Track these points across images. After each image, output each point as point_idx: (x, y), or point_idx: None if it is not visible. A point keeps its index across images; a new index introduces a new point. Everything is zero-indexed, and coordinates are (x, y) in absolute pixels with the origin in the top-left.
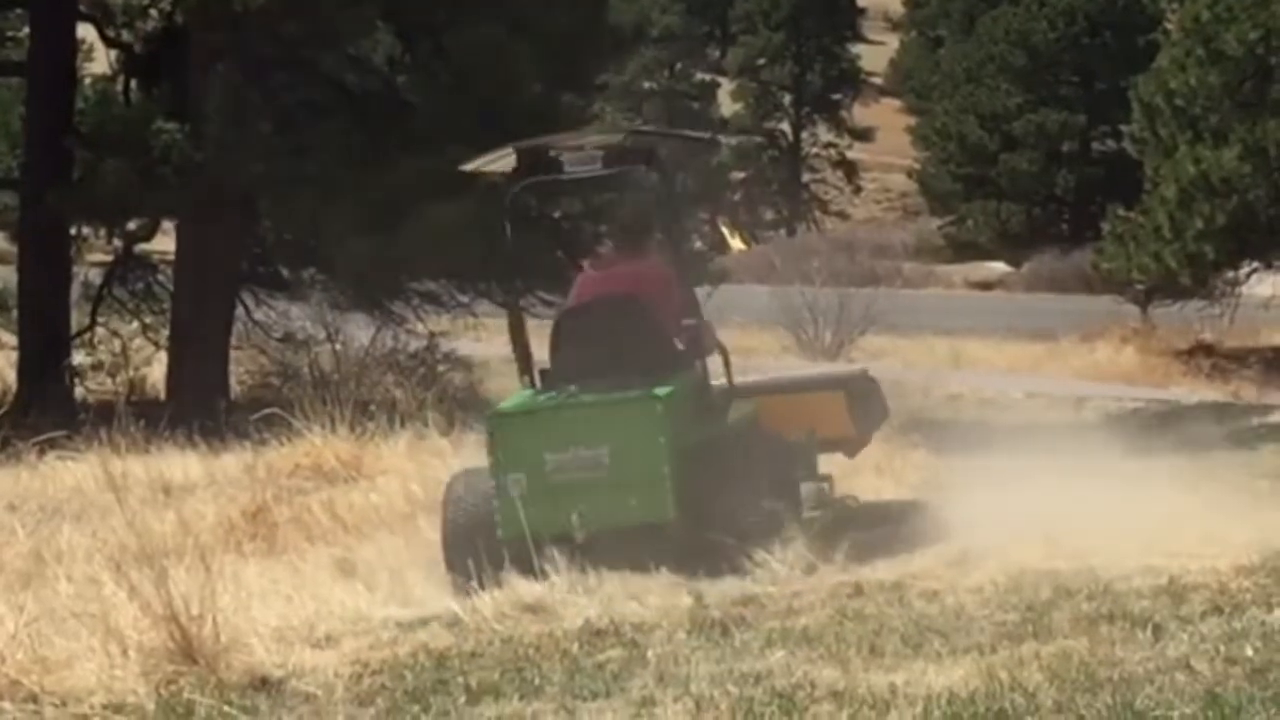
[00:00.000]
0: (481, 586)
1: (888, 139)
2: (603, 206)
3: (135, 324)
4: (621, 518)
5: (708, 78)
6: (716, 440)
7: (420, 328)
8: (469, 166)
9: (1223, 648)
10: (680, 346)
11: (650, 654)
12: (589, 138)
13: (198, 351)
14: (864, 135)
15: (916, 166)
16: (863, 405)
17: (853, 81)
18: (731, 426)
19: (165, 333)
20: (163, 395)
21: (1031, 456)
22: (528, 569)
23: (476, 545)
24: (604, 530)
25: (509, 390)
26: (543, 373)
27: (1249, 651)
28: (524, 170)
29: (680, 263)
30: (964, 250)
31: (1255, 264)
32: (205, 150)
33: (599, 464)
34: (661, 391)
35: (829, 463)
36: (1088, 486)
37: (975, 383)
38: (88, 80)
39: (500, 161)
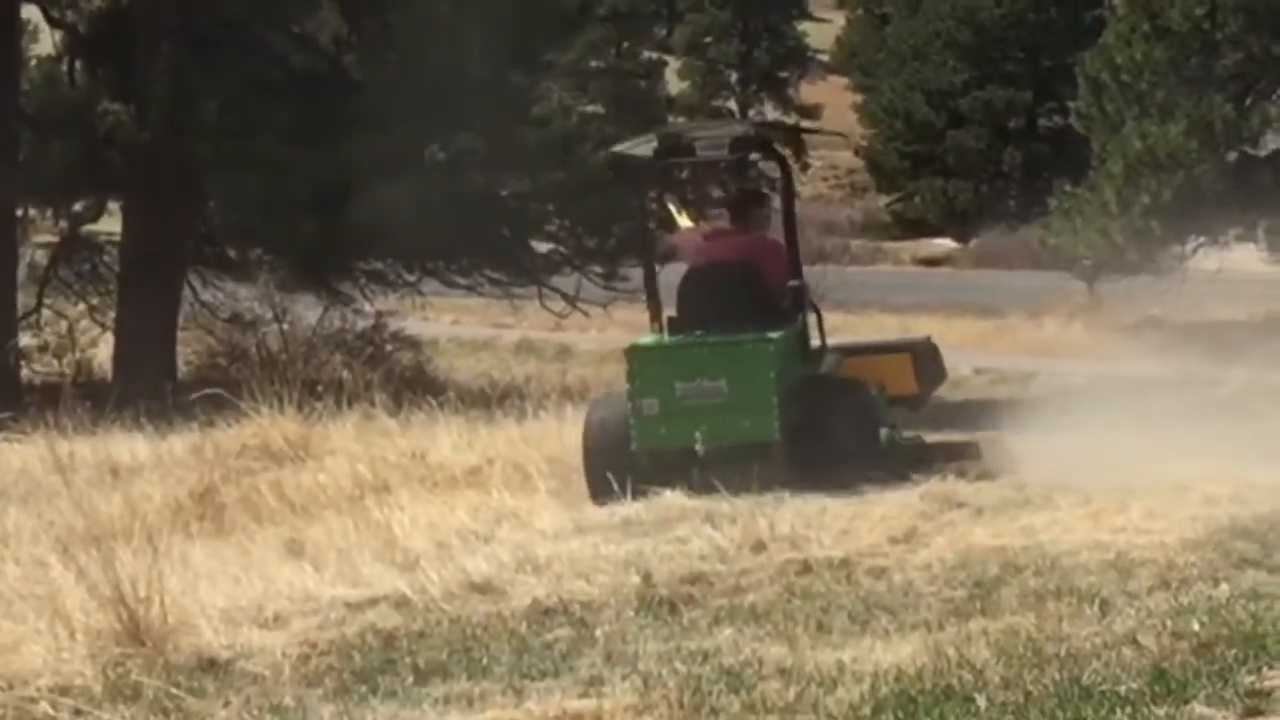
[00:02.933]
0: (621, 492)
1: (835, 116)
2: (546, 187)
3: (81, 305)
4: (736, 437)
5: (655, 56)
6: (811, 381)
7: (367, 307)
8: (617, 149)
9: (1169, 623)
10: (784, 305)
11: (598, 633)
12: (720, 127)
13: (145, 333)
14: (811, 113)
15: (864, 144)
16: (925, 367)
17: (799, 59)
18: (824, 372)
19: (112, 314)
20: (109, 376)
21: (976, 432)
22: (655, 478)
23: (612, 458)
24: (720, 446)
25: (457, 368)
26: (670, 319)
27: (1195, 626)
28: (663, 153)
29: (791, 233)
30: (911, 227)
31: (1202, 239)
32: (151, 131)
33: (719, 392)
34: (773, 335)
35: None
36: (1029, 460)
37: None
38: (33, 61)
39: (643, 146)
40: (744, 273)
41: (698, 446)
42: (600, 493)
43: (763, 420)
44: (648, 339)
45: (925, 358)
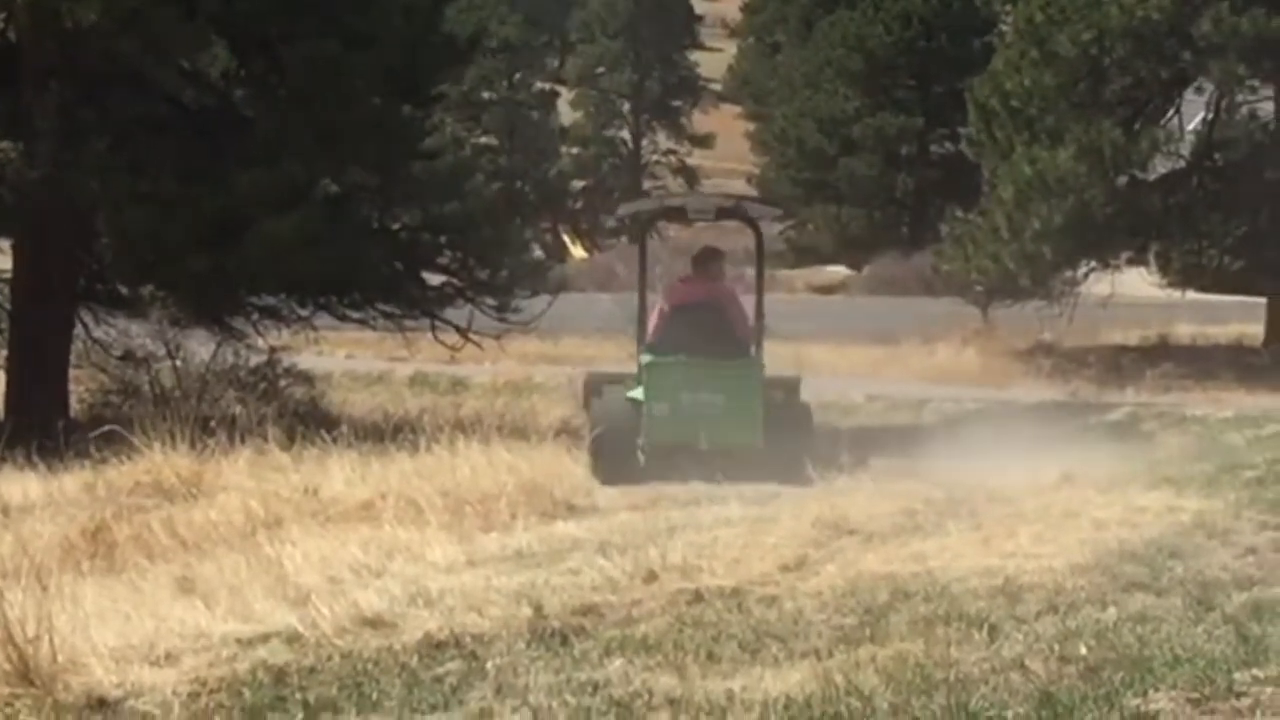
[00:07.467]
0: (622, 481)
1: (727, 145)
2: (439, 219)
3: None
4: (728, 440)
5: (547, 87)
6: (770, 399)
7: (261, 343)
8: (622, 210)
9: (1057, 647)
10: (746, 338)
11: (489, 665)
12: (708, 197)
13: (36, 371)
14: (704, 142)
15: (756, 172)
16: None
17: (692, 88)
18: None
19: (3, 352)
20: (1, 415)
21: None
22: (660, 467)
23: (616, 447)
24: (716, 446)
25: (352, 402)
26: (649, 346)
27: (1083, 650)
28: (661, 212)
29: (760, 283)
30: (805, 254)
31: (1092, 263)
32: (40, 168)
33: (716, 404)
34: (759, 361)
35: None
36: (918, 486)
37: (816, 386)
38: None
39: (648, 205)
40: (716, 311)
41: (702, 445)
42: (607, 476)
43: (750, 427)
44: (647, 359)
45: (789, 391)
